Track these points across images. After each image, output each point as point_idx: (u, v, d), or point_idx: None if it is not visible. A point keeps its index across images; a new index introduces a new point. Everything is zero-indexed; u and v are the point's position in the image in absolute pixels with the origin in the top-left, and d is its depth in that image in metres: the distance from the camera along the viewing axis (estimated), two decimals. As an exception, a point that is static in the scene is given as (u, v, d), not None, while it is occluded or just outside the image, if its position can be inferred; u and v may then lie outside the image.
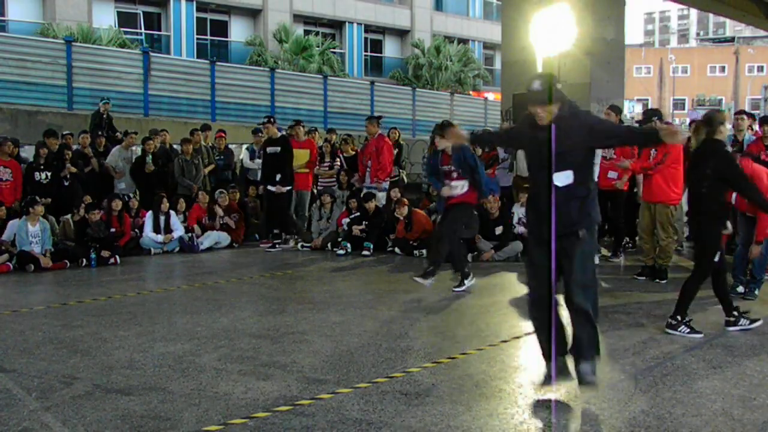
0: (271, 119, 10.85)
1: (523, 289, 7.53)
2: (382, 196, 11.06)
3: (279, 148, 10.56)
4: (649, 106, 58.71)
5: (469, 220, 8.11)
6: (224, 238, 10.89)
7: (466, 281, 7.52)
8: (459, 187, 7.49)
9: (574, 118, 4.13)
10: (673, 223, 8.12)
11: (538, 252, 4.22)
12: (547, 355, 4.20)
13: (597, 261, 9.16)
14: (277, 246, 10.66)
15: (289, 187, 10.75)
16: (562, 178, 4.05)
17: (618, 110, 9.44)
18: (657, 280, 7.99)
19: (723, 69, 65.29)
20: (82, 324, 6.03)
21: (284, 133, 11.54)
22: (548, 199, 4.07)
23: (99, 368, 4.78)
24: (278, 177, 10.51)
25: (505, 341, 5.51)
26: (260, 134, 11.70)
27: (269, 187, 10.64)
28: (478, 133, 5.21)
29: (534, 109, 4.10)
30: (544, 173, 4.10)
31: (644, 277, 8.14)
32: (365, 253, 10.08)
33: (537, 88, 4.08)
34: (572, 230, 4.06)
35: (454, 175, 7.53)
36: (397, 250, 10.21)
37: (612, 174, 9.07)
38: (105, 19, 25.36)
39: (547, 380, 4.19)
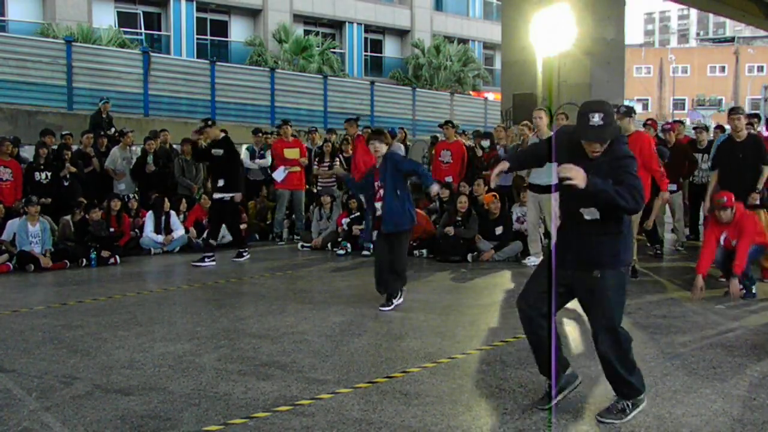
0: (209, 122, 9.60)
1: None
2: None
3: (222, 151, 9.30)
4: (649, 107, 58.88)
5: (407, 244, 6.97)
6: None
7: (395, 300, 6.67)
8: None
9: (609, 150, 3.78)
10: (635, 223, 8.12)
11: (545, 275, 3.97)
12: (546, 372, 4.02)
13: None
14: (207, 260, 9.22)
15: (238, 194, 9.50)
16: (588, 214, 3.81)
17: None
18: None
19: (723, 69, 65.28)
20: (82, 324, 6.03)
21: (227, 134, 10.18)
22: (573, 232, 3.88)
23: (99, 368, 4.78)
24: (221, 183, 9.29)
25: (505, 341, 5.51)
26: (202, 135, 9.92)
27: (214, 195, 9.53)
28: (515, 157, 4.62)
29: (592, 146, 3.73)
30: (575, 205, 3.84)
31: None
32: (365, 253, 10.07)
33: (598, 123, 3.66)
34: (595, 269, 3.79)
35: (380, 193, 6.63)
36: (397, 250, 10.19)
37: None
38: (105, 19, 25.37)
39: (546, 397, 4.05)
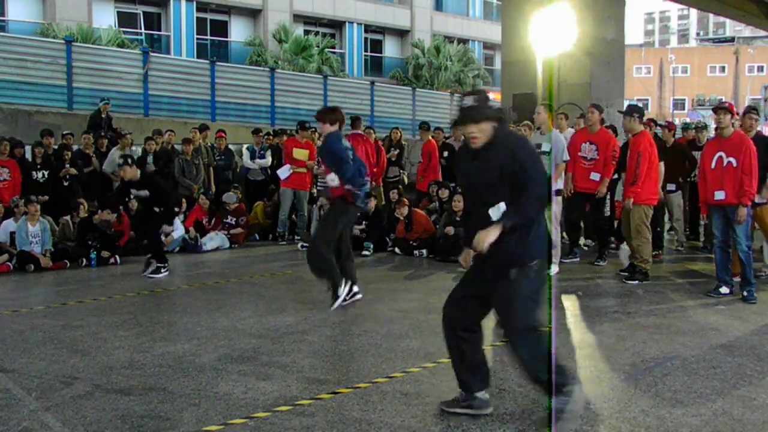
0: (129, 159, 8.64)
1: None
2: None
3: (146, 192, 8.63)
4: (649, 107, 58.87)
5: (347, 217, 6.74)
6: (226, 242, 10.90)
7: (339, 291, 6.49)
8: (330, 179, 6.55)
9: (503, 140, 3.67)
10: (648, 225, 7.88)
11: (465, 281, 4.04)
12: (464, 386, 3.97)
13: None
14: (162, 270, 8.57)
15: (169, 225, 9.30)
16: (495, 212, 3.64)
17: (601, 109, 9.24)
18: (630, 281, 7.86)
19: (723, 69, 65.29)
20: (82, 324, 6.03)
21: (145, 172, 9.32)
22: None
23: (99, 368, 4.78)
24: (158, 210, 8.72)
25: (505, 341, 5.49)
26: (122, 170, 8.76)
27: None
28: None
29: (466, 129, 3.66)
30: (480, 209, 3.69)
31: (627, 273, 8.13)
32: (365, 253, 10.07)
33: (469, 104, 3.65)
34: (507, 270, 3.68)
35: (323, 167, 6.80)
36: (397, 250, 10.21)
37: (594, 176, 8.73)
38: (105, 19, 25.36)
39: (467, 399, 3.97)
